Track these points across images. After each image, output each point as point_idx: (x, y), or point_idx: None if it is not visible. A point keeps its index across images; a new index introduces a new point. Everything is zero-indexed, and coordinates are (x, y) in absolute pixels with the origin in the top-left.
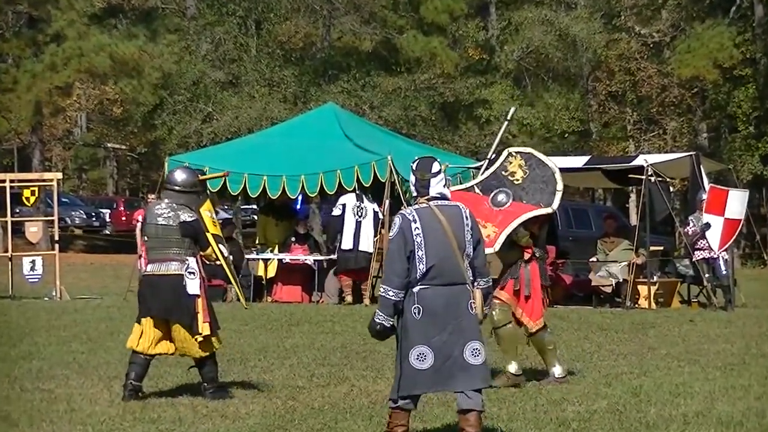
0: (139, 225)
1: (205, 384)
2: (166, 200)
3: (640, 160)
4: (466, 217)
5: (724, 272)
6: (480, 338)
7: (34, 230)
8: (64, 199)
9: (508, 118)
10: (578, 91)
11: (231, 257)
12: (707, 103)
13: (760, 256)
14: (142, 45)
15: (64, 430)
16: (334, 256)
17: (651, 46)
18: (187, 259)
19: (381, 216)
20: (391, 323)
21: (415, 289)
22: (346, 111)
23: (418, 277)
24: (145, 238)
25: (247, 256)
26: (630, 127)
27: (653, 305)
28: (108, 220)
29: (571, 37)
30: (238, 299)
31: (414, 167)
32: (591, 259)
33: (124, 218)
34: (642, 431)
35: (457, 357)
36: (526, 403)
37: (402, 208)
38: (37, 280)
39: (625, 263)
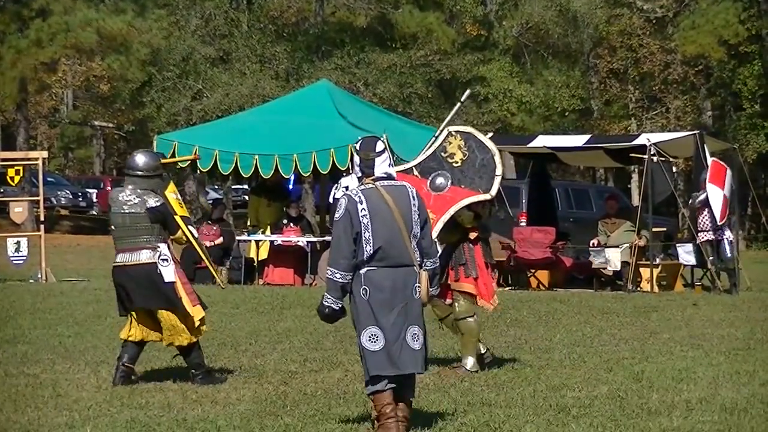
0: None
1: (193, 371)
2: (130, 186)
3: (642, 139)
4: (413, 197)
5: (729, 255)
6: (420, 323)
7: (18, 211)
8: (49, 179)
9: (462, 100)
10: (579, 68)
11: (200, 238)
12: (712, 81)
13: (766, 239)
14: (130, 20)
15: (49, 415)
16: (328, 238)
17: (654, 22)
18: (159, 246)
19: None
20: (340, 305)
21: (362, 271)
22: (340, 88)
23: (365, 259)
24: (112, 228)
25: (238, 238)
26: (632, 106)
27: (656, 288)
28: (95, 200)
29: (572, 13)
30: (213, 282)
31: (357, 147)
32: (591, 241)
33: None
34: (644, 417)
35: (402, 340)
36: (525, 389)
37: None
38: (22, 261)
39: (627, 245)
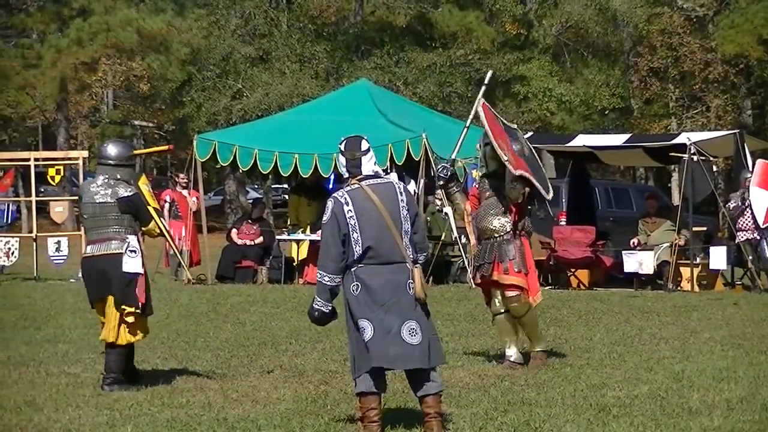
0: (167, 205)
1: (104, 372)
2: (102, 176)
3: (682, 138)
4: (400, 193)
5: None
6: (418, 318)
7: (59, 210)
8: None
9: (486, 82)
10: (619, 67)
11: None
12: (752, 80)
13: None
14: (170, 19)
15: (90, 414)
16: None
17: (694, 20)
18: (128, 237)
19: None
20: (330, 308)
21: (354, 269)
22: (380, 87)
23: (355, 259)
24: (84, 217)
25: (278, 237)
26: (672, 104)
27: (696, 288)
28: None
29: (612, 11)
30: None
31: (342, 148)
32: (631, 241)
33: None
34: (684, 417)
35: (395, 335)
36: (565, 388)
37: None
38: (62, 261)
39: (667, 245)
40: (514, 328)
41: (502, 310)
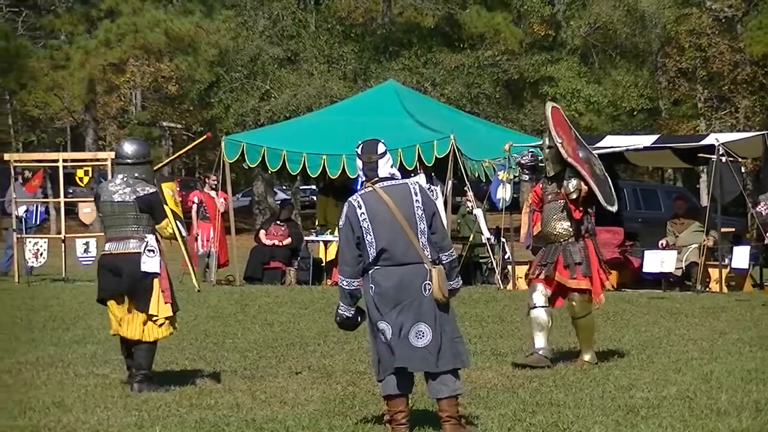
0: (195, 207)
1: (133, 369)
2: (121, 175)
3: (710, 139)
4: (415, 193)
5: None
6: (429, 320)
7: (87, 211)
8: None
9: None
10: (647, 68)
11: (186, 237)
12: None
13: None
14: (198, 21)
15: (119, 415)
16: None
17: (723, 21)
18: (146, 237)
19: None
20: (352, 312)
21: (370, 271)
22: (408, 88)
23: (370, 261)
24: (101, 216)
25: (306, 238)
26: (701, 105)
27: (725, 289)
28: None
29: (640, 12)
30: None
31: (359, 151)
32: (660, 242)
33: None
34: (713, 418)
35: (404, 336)
36: (594, 389)
37: (465, 188)
38: (90, 262)
39: (695, 246)
40: (548, 323)
41: (540, 304)
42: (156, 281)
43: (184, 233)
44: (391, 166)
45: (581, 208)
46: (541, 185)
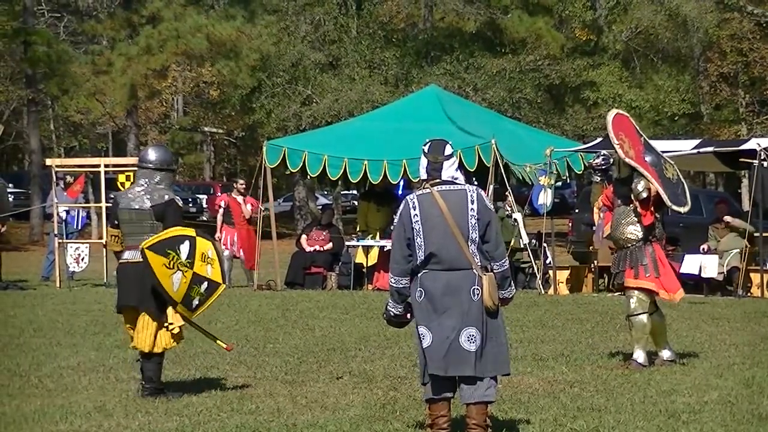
0: (221, 210)
1: (143, 382)
2: (141, 181)
3: (752, 144)
4: (472, 201)
5: None
6: (479, 326)
7: None
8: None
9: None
10: (689, 73)
11: (225, 265)
12: None
13: None
14: (240, 26)
15: (159, 420)
16: None
17: (764, 25)
18: None
19: None
20: (401, 310)
21: (419, 274)
22: (449, 93)
23: (419, 264)
24: (117, 222)
25: (347, 243)
26: (742, 110)
27: (766, 294)
28: (205, 205)
29: (682, 17)
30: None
31: (426, 150)
32: (702, 246)
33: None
34: (754, 423)
35: (452, 341)
36: (635, 394)
37: (506, 193)
38: None
39: (737, 251)
40: (659, 328)
41: (639, 312)
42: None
43: (222, 258)
44: (456, 170)
45: (652, 210)
46: (612, 188)
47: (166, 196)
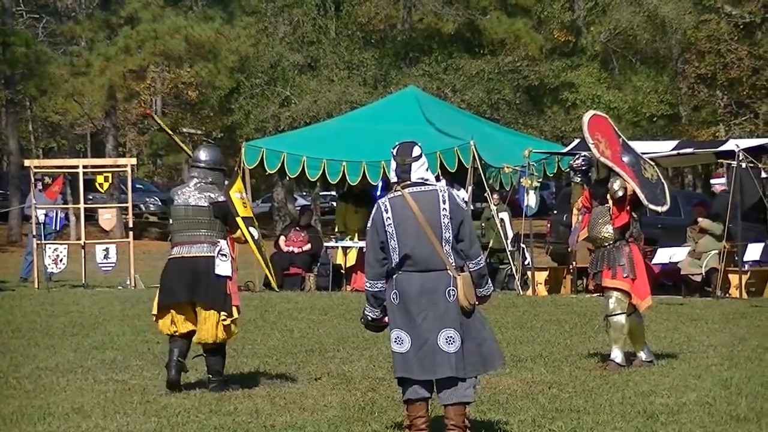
0: None
1: (210, 376)
2: (195, 179)
3: (730, 145)
4: (443, 200)
5: None
6: (456, 326)
7: (107, 217)
8: (138, 186)
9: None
10: (667, 74)
11: (261, 240)
12: None
13: None
14: (218, 27)
15: (138, 421)
16: None
17: (742, 27)
18: (219, 241)
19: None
20: (377, 314)
21: (394, 276)
22: (428, 94)
23: (394, 266)
24: (171, 222)
25: (325, 244)
26: (720, 111)
27: (745, 295)
28: None
29: (660, 18)
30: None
31: (395, 152)
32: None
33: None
34: (732, 425)
35: (432, 343)
36: (613, 395)
37: (486, 194)
38: (110, 268)
39: (715, 252)
40: (637, 329)
41: (617, 312)
42: (228, 284)
43: (256, 236)
44: (426, 170)
45: (628, 210)
46: (591, 189)
47: (221, 198)
